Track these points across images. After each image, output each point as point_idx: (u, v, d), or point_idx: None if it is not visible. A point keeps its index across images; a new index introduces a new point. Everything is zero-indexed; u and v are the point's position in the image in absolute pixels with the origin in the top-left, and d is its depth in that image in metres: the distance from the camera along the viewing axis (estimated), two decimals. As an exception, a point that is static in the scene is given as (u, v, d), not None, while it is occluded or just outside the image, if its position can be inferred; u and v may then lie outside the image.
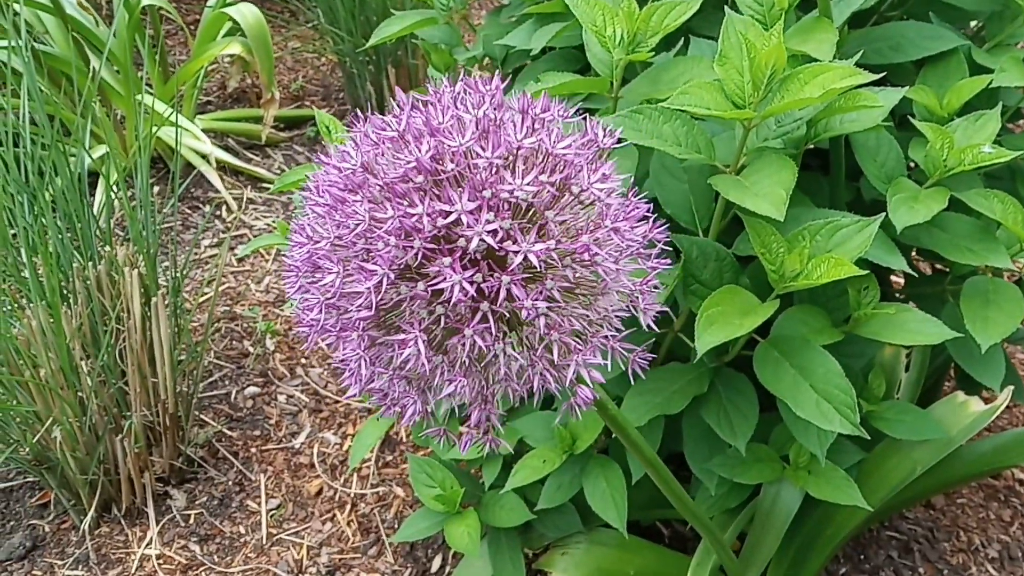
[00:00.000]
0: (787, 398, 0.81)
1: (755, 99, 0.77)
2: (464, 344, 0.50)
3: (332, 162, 0.54)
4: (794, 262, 0.78)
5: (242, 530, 1.33)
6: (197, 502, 1.37)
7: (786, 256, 0.79)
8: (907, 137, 0.90)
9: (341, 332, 0.53)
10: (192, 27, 2.43)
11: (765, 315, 0.79)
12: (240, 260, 1.83)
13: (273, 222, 1.93)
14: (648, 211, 0.56)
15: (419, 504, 1.23)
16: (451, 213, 0.49)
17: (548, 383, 0.54)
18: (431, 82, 0.57)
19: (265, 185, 2.05)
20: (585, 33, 0.87)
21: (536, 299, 0.50)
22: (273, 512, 1.36)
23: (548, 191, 0.51)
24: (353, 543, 1.32)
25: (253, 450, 1.45)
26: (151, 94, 1.99)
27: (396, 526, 1.33)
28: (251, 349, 1.63)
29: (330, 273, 0.51)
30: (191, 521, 1.34)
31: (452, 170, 0.50)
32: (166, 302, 1.28)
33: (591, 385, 0.55)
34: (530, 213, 0.52)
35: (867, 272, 0.80)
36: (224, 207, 1.98)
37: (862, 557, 1.26)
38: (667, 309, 0.62)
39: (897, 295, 1.08)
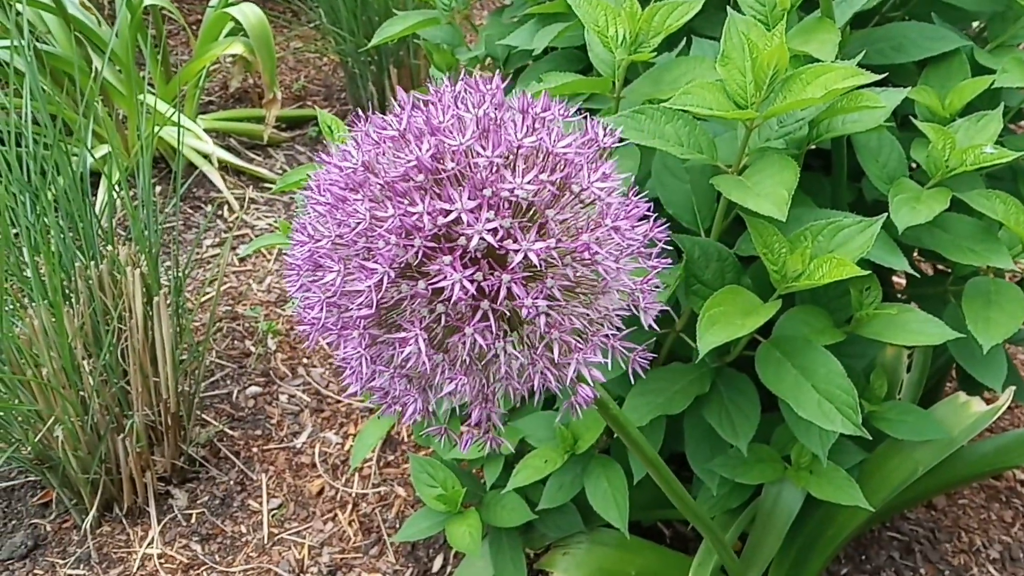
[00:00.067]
0: (789, 398, 0.81)
1: (757, 99, 0.77)
2: (465, 342, 0.50)
3: (333, 161, 0.54)
4: (796, 262, 0.78)
5: (243, 529, 1.33)
6: (199, 501, 1.37)
7: (788, 256, 0.79)
8: (909, 137, 0.90)
9: (342, 330, 0.53)
10: (194, 27, 2.43)
11: (767, 315, 0.79)
12: (242, 260, 1.83)
13: (275, 222, 1.93)
14: (648, 210, 0.56)
15: (420, 504, 1.23)
16: (451, 212, 0.49)
17: (549, 382, 0.54)
18: (432, 82, 0.57)
19: (267, 185, 2.06)
20: (587, 33, 0.87)
21: (536, 298, 0.50)
22: (274, 512, 1.36)
23: (548, 190, 0.52)
24: (354, 543, 1.32)
25: (255, 450, 1.45)
26: (153, 94, 1.99)
27: (397, 526, 1.33)
28: (253, 349, 1.63)
29: (331, 271, 0.52)
30: (192, 520, 1.34)
31: (452, 169, 0.50)
32: (168, 302, 1.28)
33: (592, 384, 0.55)
34: (530, 212, 0.52)
35: (869, 272, 0.80)
36: (226, 207, 1.98)
37: (863, 558, 1.26)
38: (668, 309, 0.62)
39: (899, 296, 1.08)
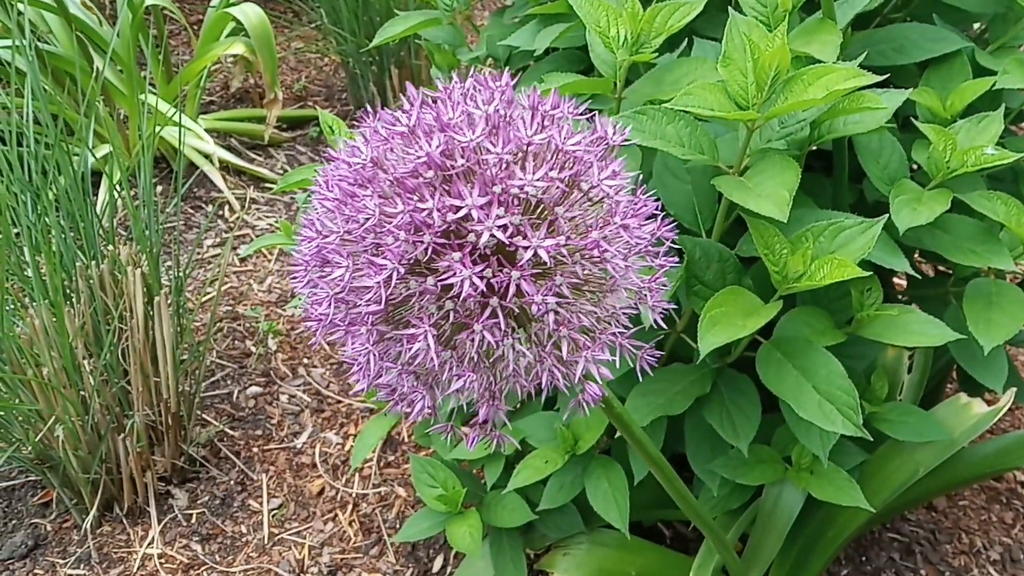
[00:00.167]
0: (790, 399, 0.81)
1: (759, 100, 0.77)
2: (473, 339, 0.50)
3: (342, 157, 0.54)
4: (797, 263, 0.78)
5: (244, 530, 1.33)
6: (199, 501, 1.37)
7: (789, 257, 0.79)
8: (910, 139, 0.90)
9: (350, 326, 0.53)
10: (195, 27, 2.43)
11: (768, 316, 0.79)
12: (242, 260, 1.83)
13: (276, 222, 1.94)
14: (657, 209, 0.56)
15: (421, 504, 1.23)
16: (461, 208, 0.49)
17: (556, 379, 0.54)
18: (441, 79, 0.57)
19: (268, 185, 2.06)
20: (589, 34, 0.87)
21: (546, 295, 0.50)
22: (275, 512, 1.36)
23: (558, 187, 0.51)
24: (355, 543, 1.32)
25: (255, 450, 1.45)
26: (154, 94, 1.99)
27: (398, 526, 1.33)
28: (253, 349, 1.63)
29: (339, 267, 0.51)
30: (193, 520, 1.34)
31: (462, 165, 0.50)
32: (168, 301, 1.28)
33: (600, 382, 0.55)
34: (539, 209, 0.52)
35: (870, 273, 0.80)
36: (227, 207, 1.98)
37: (864, 559, 1.26)
38: (673, 309, 0.62)
39: (900, 297, 1.08)
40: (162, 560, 1.29)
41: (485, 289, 0.49)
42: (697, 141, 0.80)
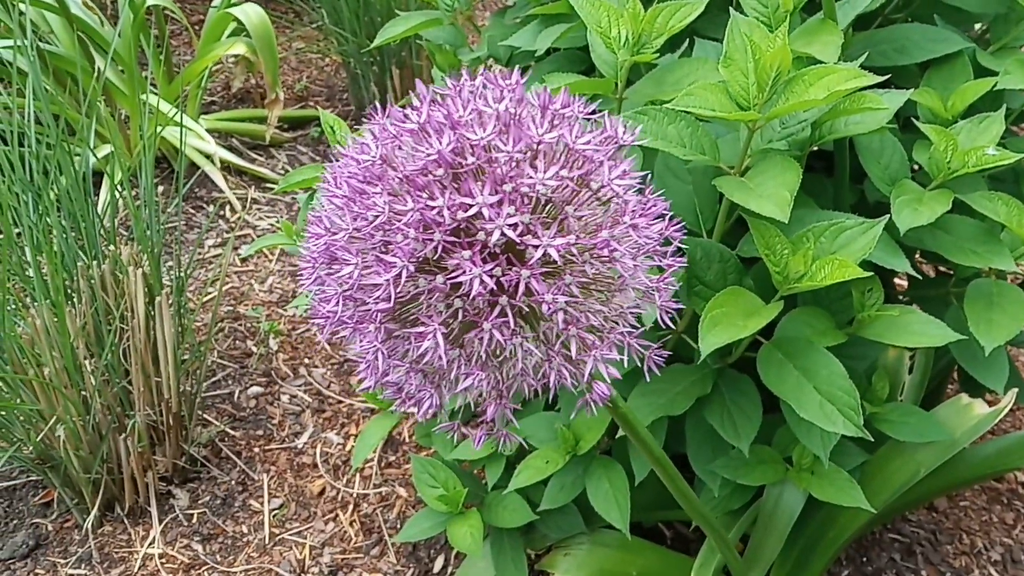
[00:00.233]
0: (790, 399, 0.81)
1: (760, 101, 0.77)
2: (482, 338, 0.50)
3: (350, 153, 0.54)
4: (798, 264, 0.78)
5: (245, 530, 1.34)
6: (200, 501, 1.37)
7: (790, 258, 0.79)
8: (911, 139, 0.89)
9: (358, 324, 0.53)
10: (197, 27, 2.44)
11: (769, 317, 0.79)
12: (244, 260, 1.83)
13: (277, 222, 1.94)
14: (666, 209, 0.56)
15: (422, 504, 1.23)
16: (472, 206, 0.49)
17: (564, 379, 0.54)
18: (452, 77, 0.57)
19: (269, 185, 2.06)
20: (590, 34, 0.87)
21: (556, 294, 0.50)
22: (276, 512, 1.36)
23: (568, 186, 0.51)
24: (355, 543, 1.32)
25: (256, 450, 1.45)
26: (155, 94, 1.99)
27: (399, 526, 1.33)
28: (254, 349, 1.63)
29: (348, 264, 0.51)
30: (194, 520, 1.34)
31: (472, 163, 0.50)
32: (170, 301, 1.28)
33: (608, 381, 0.55)
34: (548, 208, 0.52)
35: (871, 274, 0.80)
36: (228, 207, 1.98)
37: (864, 559, 1.26)
38: (678, 309, 0.62)
39: (901, 297, 1.08)
40: (163, 560, 1.29)
41: (495, 287, 0.49)
42: (698, 141, 0.80)
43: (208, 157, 2.01)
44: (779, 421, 0.91)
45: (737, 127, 0.84)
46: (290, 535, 1.33)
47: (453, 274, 0.49)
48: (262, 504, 1.37)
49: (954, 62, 0.93)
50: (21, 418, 1.24)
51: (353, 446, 1.46)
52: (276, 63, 2.08)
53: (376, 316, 0.52)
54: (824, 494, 0.94)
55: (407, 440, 1.47)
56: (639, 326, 0.57)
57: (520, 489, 1.03)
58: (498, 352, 0.53)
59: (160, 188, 2.02)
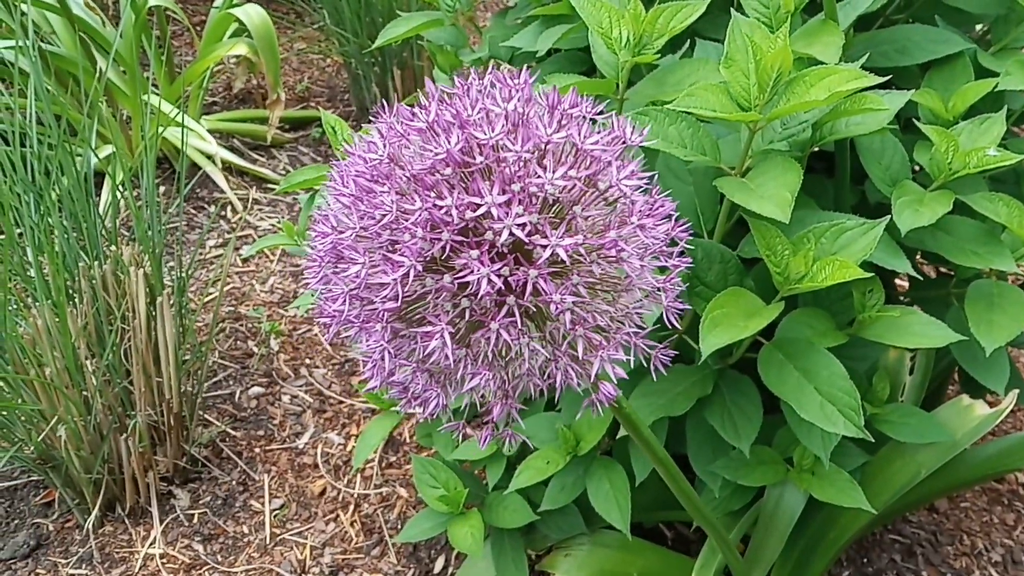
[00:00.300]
0: (791, 400, 0.81)
1: (761, 101, 0.77)
2: (489, 338, 0.50)
3: (357, 152, 0.54)
4: (799, 264, 0.78)
5: (245, 530, 1.34)
6: (201, 502, 1.37)
7: (791, 258, 0.79)
8: (912, 140, 0.89)
9: (364, 323, 0.53)
10: (198, 28, 2.44)
11: (770, 317, 0.79)
12: (245, 260, 1.83)
13: (278, 223, 1.94)
14: (673, 210, 0.56)
15: (422, 505, 1.23)
16: (481, 206, 0.49)
17: (571, 378, 0.54)
18: (459, 75, 0.57)
19: (270, 186, 2.06)
20: (591, 35, 0.87)
21: (564, 294, 0.50)
22: (276, 512, 1.36)
23: (577, 186, 0.52)
24: (356, 543, 1.32)
25: (257, 450, 1.45)
26: (157, 94, 1.98)
27: (399, 527, 1.33)
28: (255, 349, 1.63)
29: (355, 263, 0.51)
30: (195, 520, 1.34)
31: (481, 163, 0.50)
32: (171, 302, 1.28)
33: (615, 381, 0.55)
34: (556, 208, 0.52)
35: (871, 275, 0.80)
36: (229, 207, 1.98)
37: (865, 560, 1.26)
38: (683, 309, 0.62)
39: (901, 298, 1.08)
40: (164, 560, 1.29)
41: (502, 287, 0.49)
42: (699, 142, 0.80)
43: (209, 158, 2.02)
44: (780, 422, 0.91)
45: (738, 128, 0.84)
46: (291, 535, 1.33)
47: (461, 273, 0.49)
48: (263, 504, 1.37)
49: (955, 63, 0.93)
50: (22, 418, 1.25)
51: (354, 446, 1.46)
52: (277, 64, 2.08)
53: (383, 315, 0.52)
54: (825, 495, 0.94)
55: (408, 440, 1.47)
56: (644, 327, 0.57)
57: (521, 489, 1.03)
58: (504, 352, 0.53)
59: (161, 188, 2.02)
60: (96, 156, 1.49)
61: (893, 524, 1.31)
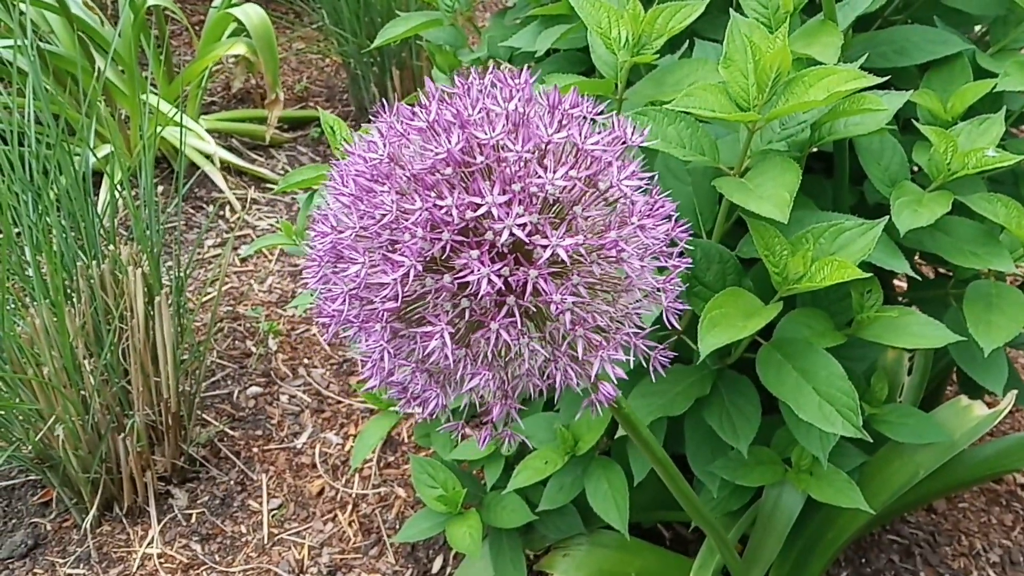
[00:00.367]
0: (789, 400, 0.81)
1: (759, 102, 0.77)
2: (489, 338, 0.50)
3: (357, 151, 0.54)
4: (797, 265, 0.78)
5: (243, 530, 1.33)
6: (199, 501, 1.37)
7: (789, 259, 0.79)
8: (911, 141, 0.90)
9: (364, 323, 0.53)
10: (197, 27, 2.44)
11: (768, 317, 0.79)
12: (243, 260, 1.83)
13: (276, 222, 1.94)
14: (673, 210, 0.56)
15: (420, 505, 1.23)
16: (481, 206, 0.49)
17: (570, 379, 0.54)
18: (460, 75, 0.57)
19: (269, 186, 2.06)
20: (590, 35, 0.87)
21: (564, 294, 0.50)
22: (274, 512, 1.36)
23: (577, 186, 0.51)
24: (354, 543, 1.32)
25: (255, 450, 1.45)
26: (156, 94, 1.99)
27: (397, 527, 1.33)
28: (253, 349, 1.63)
29: (355, 263, 0.51)
30: (192, 520, 1.34)
31: (481, 163, 0.50)
32: (169, 301, 1.28)
33: (615, 381, 0.55)
34: (556, 208, 0.52)
35: (870, 275, 0.80)
36: (228, 207, 1.98)
37: (863, 560, 1.26)
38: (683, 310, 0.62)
39: (900, 298, 1.08)
40: (162, 560, 1.29)
41: (502, 287, 0.49)
42: (698, 142, 0.80)
43: (208, 157, 2.01)
44: (778, 422, 0.91)
45: (737, 128, 0.84)
46: (289, 535, 1.33)
47: (461, 273, 0.49)
48: (261, 504, 1.37)
49: (954, 64, 0.94)
50: (20, 418, 1.24)
51: (352, 446, 1.46)
52: (276, 63, 2.08)
53: (383, 315, 0.52)
54: (823, 495, 0.94)
55: (406, 440, 1.47)
56: (644, 327, 0.57)
57: (519, 489, 1.03)
58: (504, 352, 0.53)
59: (160, 188, 2.02)
60: (94, 155, 1.49)
61: (891, 524, 1.31)
